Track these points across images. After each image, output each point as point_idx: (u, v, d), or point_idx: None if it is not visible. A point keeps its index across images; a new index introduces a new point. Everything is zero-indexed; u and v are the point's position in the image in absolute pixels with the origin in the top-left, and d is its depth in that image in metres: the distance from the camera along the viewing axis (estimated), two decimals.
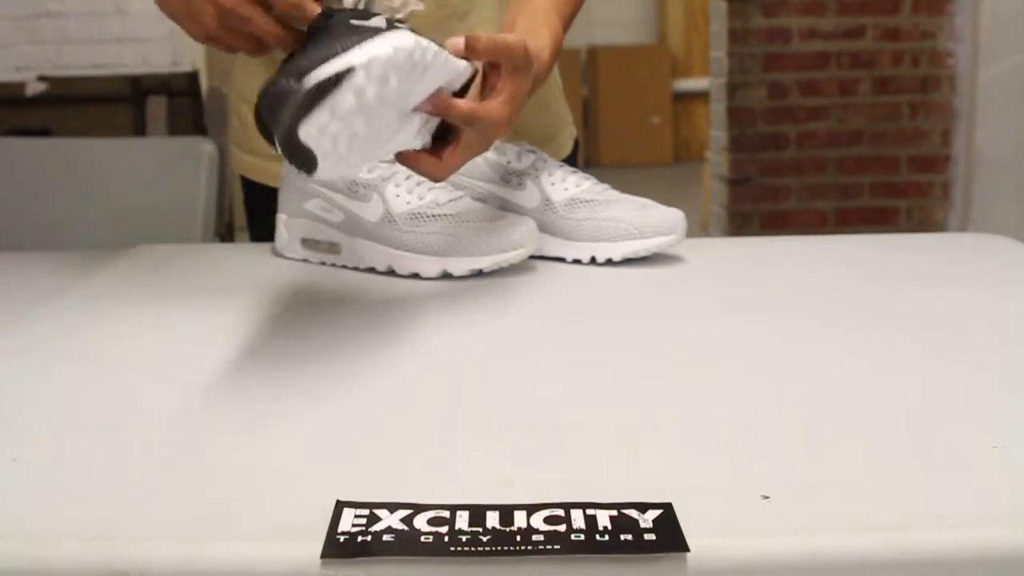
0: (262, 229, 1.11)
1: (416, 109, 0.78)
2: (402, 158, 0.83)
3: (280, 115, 0.67)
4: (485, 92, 0.84)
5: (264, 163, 1.11)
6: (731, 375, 0.69)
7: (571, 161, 1.21)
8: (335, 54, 0.70)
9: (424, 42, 0.75)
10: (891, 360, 0.72)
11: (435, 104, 0.79)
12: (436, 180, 0.85)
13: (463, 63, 0.81)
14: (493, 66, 0.83)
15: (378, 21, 0.75)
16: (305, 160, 0.70)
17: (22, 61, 3.96)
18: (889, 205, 3.42)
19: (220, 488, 0.54)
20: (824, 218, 3.42)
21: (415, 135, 0.81)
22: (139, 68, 3.98)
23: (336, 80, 0.68)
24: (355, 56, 0.70)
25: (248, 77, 1.13)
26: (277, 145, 0.69)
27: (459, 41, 0.80)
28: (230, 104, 1.18)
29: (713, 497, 0.51)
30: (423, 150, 0.83)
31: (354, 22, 0.74)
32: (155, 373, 0.72)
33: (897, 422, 0.61)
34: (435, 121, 0.82)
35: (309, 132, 0.68)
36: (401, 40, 0.73)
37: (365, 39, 0.72)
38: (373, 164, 0.78)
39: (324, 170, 0.71)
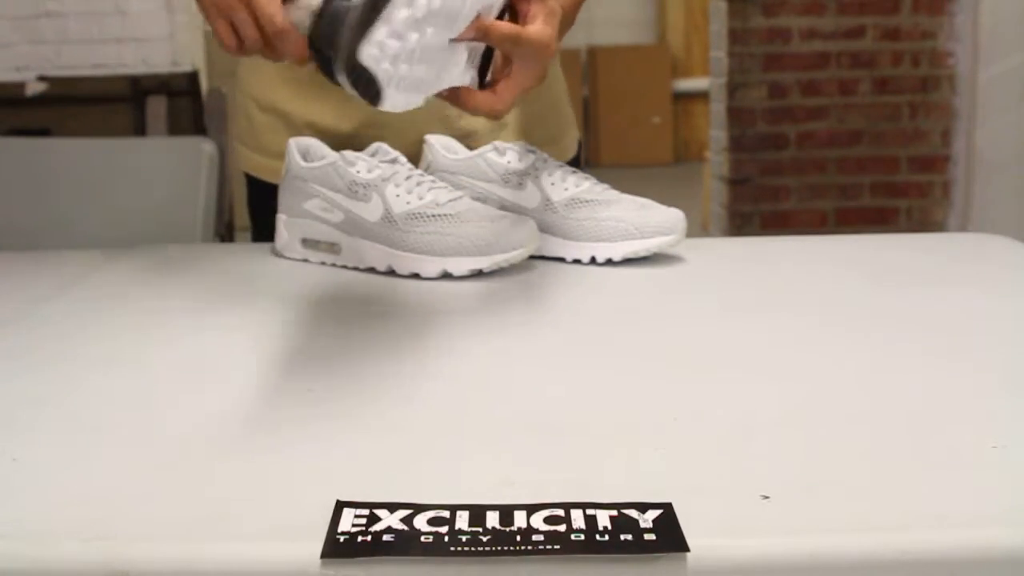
0: (265, 228, 1.11)
1: (459, 40, 0.77)
2: (456, 99, 0.82)
3: (340, 36, 0.66)
4: (519, 21, 0.82)
5: (270, 161, 1.11)
6: (731, 375, 0.69)
7: (576, 162, 1.21)
8: None
9: None
10: (891, 360, 0.72)
11: (477, 28, 0.78)
12: (496, 116, 0.83)
13: None
14: None
15: None
16: (370, 86, 0.69)
17: (22, 61, 3.96)
18: (889, 205, 3.42)
19: (220, 488, 0.54)
20: (824, 218, 3.42)
21: (463, 70, 0.80)
22: (139, 68, 3.98)
23: None
24: None
25: (255, 75, 1.13)
26: (339, 72, 0.68)
27: None
28: (236, 102, 1.18)
29: (713, 497, 0.51)
30: (473, 88, 0.82)
31: None
32: (155, 373, 0.72)
33: (897, 422, 0.61)
34: (478, 56, 0.81)
35: (371, 52, 0.67)
36: None
37: None
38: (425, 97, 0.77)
39: (388, 97, 0.69)
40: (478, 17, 0.78)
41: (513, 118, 1.12)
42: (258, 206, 1.15)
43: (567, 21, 0.91)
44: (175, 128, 3.42)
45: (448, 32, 0.75)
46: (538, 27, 0.82)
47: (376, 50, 0.68)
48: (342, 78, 0.69)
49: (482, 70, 0.83)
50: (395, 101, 0.71)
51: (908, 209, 3.42)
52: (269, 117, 1.12)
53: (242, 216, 1.24)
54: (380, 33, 0.68)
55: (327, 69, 0.69)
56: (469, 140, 1.08)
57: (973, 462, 0.55)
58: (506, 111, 0.83)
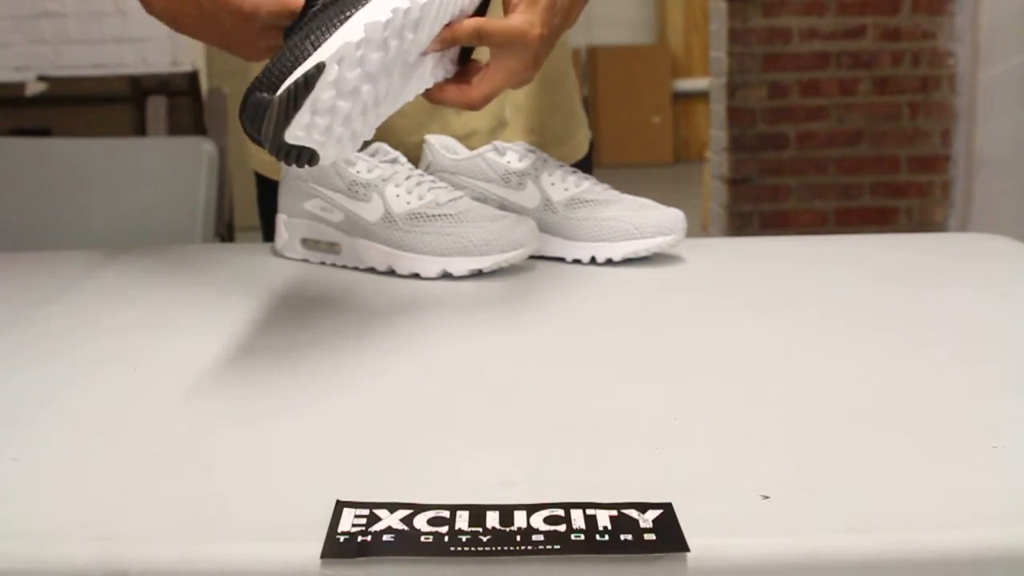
0: (274, 227, 1.10)
1: (424, 53, 0.76)
2: (428, 97, 0.81)
3: (262, 127, 0.66)
4: (505, 10, 0.81)
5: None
6: (731, 374, 0.69)
7: (587, 162, 1.20)
8: (305, 53, 0.68)
9: (405, 2, 0.71)
10: (891, 360, 0.72)
11: (443, 39, 0.77)
12: (472, 108, 0.82)
13: None
14: None
15: None
16: (302, 158, 0.69)
17: (22, 61, 3.96)
18: (889, 205, 3.42)
19: (220, 488, 0.54)
20: (824, 218, 3.42)
21: (430, 73, 0.79)
22: (139, 68, 3.98)
23: (307, 82, 0.66)
24: (325, 49, 0.68)
25: None
26: (271, 151, 0.69)
27: None
28: None
29: (713, 497, 0.51)
30: (447, 81, 0.81)
31: None
32: (155, 373, 0.72)
33: (897, 421, 0.61)
34: (453, 50, 0.80)
35: (295, 135, 0.67)
36: (374, 13, 0.70)
37: (343, 20, 0.69)
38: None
39: (327, 157, 0.70)
40: (447, 26, 0.77)
41: (517, 117, 1.12)
42: (268, 205, 1.15)
43: (563, 11, 0.88)
44: (175, 128, 3.42)
45: (399, 66, 0.74)
46: (512, 18, 0.80)
47: (301, 132, 0.67)
48: (273, 156, 0.69)
49: (466, 53, 0.82)
50: (335, 156, 0.71)
51: (908, 209, 3.42)
52: None
53: (242, 216, 1.24)
54: (303, 118, 0.67)
55: (258, 144, 0.69)
56: (469, 140, 1.08)
57: (973, 462, 0.55)
58: (482, 102, 0.81)
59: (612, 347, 0.76)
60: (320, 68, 0.67)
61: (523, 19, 0.80)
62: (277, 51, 0.70)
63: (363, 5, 0.71)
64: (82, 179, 1.58)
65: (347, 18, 0.70)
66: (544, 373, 0.70)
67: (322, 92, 0.67)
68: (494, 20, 0.80)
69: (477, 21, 0.79)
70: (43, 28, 4.00)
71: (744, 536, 0.48)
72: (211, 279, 0.97)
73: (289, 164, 0.70)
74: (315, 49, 0.68)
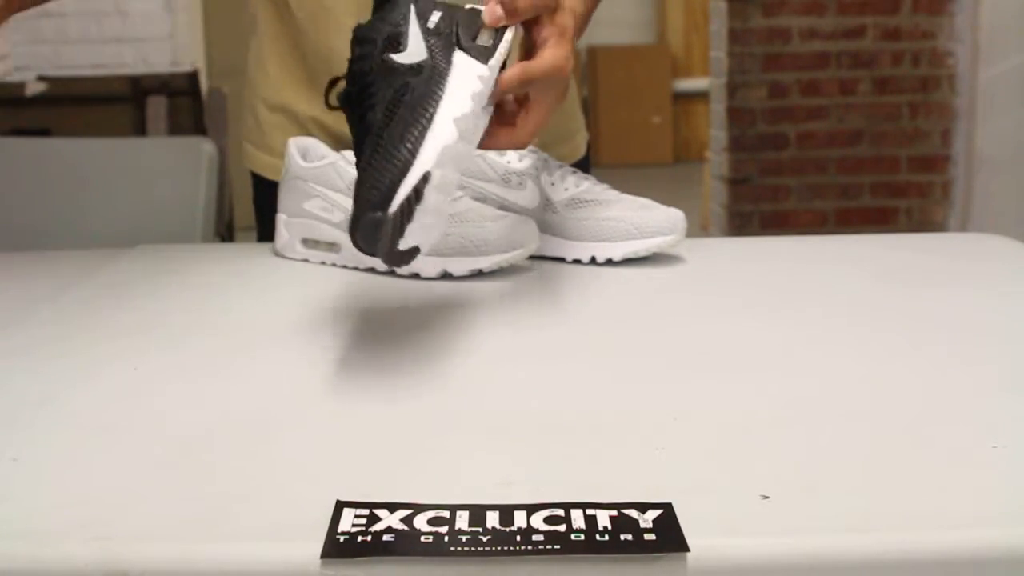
0: (271, 227, 1.11)
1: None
2: (481, 146, 0.82)
3: (379, 243, 0.68)
4: (532, 49, 0.82)
5: (277, 160, 1.11)
6: (731, 374, 0.69)
7: (585, 162, 1.20)
8: (405, 164, 0.69)
9: (478, 85, 0.75)
10: (891, 360, 0.72)
11: (491, 96, 0.78)
12: (521, 148, 0.84)
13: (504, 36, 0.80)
14: (533, 20, 0.81)
15: (419, 50, 0.75)
16: (409, 256, 0.71)
17: (22, 61, 3.96)
18: (889, 205, 3.42)
19: (220, 487, 0.54)
20: (824, 218, 3.42)
21: (483, 127, 0.80)
22: (139, 68, 3.98)
23: (417, 195, 0.68)
24: (426, 157, 0.69)
25: (265, 77, 1.13)
26: (383, 262, 0.70)
27: (496, 9, 0.79)
28: (244, 102, 1.17)
29: (713, 497, 0.51)
30: (492, 124, 0.81)
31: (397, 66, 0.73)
32: (155, 373, 0.72)
33: (897, 422, 0.61)
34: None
35: (408, 241, 0.69)
36: (458, 107, 0.72)
37: (429, 119, 0.71)
38: None
39: (426, 247, 0.72)
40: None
41: None
42: (264, 205, 1.15)
43: (582, 24, 0.89)
44: (175, 128, 3.42)
45: (476, 137, 0.77)
46: (547, 54, 0.81)
47: (412, 239, 0.69)
48: (386, 263, 0.71)
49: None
50: (434, 238, 0.73)
51: (908, 209, 3.43)
52: (277, 117, 1.12)
53: (242, 216, 1.24)
54: (415, 225, 0.69)
55: (371, 256, 0.71)
56: None
57: (973, 462, 0.55)
58: (528, 140, 0.83)
59: (612, 347, 0.76)
60: (427, 178, 0.68)
61: (557, 56, 0.81)
62: (372, 158, 0.70)
63: (440, 98, 0.73)
64: (82, 179, 1.58)
65: (431, 117, 0.72)
66: (544, 373, 0.71)
67: (429, 196, 0.69)
68: (533, 62, 0.81)
69: (520, 69, 0.80)
70: (43, 28, 4.00)
71: (744, 536, 0.48)
72: (211, 279, 0.97)
73: (399, 266, 0.72)
74: (414, 156, 0.69)
